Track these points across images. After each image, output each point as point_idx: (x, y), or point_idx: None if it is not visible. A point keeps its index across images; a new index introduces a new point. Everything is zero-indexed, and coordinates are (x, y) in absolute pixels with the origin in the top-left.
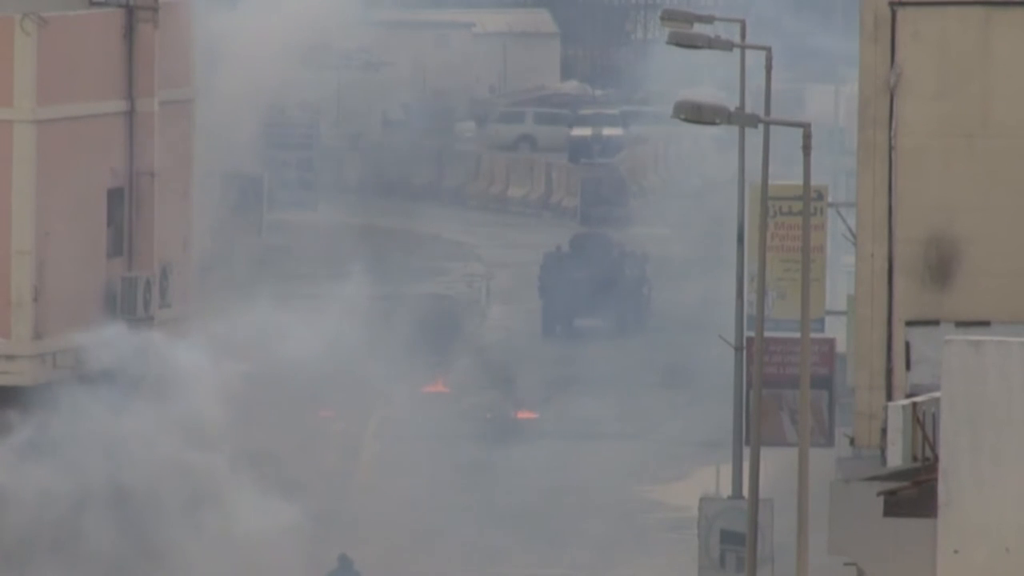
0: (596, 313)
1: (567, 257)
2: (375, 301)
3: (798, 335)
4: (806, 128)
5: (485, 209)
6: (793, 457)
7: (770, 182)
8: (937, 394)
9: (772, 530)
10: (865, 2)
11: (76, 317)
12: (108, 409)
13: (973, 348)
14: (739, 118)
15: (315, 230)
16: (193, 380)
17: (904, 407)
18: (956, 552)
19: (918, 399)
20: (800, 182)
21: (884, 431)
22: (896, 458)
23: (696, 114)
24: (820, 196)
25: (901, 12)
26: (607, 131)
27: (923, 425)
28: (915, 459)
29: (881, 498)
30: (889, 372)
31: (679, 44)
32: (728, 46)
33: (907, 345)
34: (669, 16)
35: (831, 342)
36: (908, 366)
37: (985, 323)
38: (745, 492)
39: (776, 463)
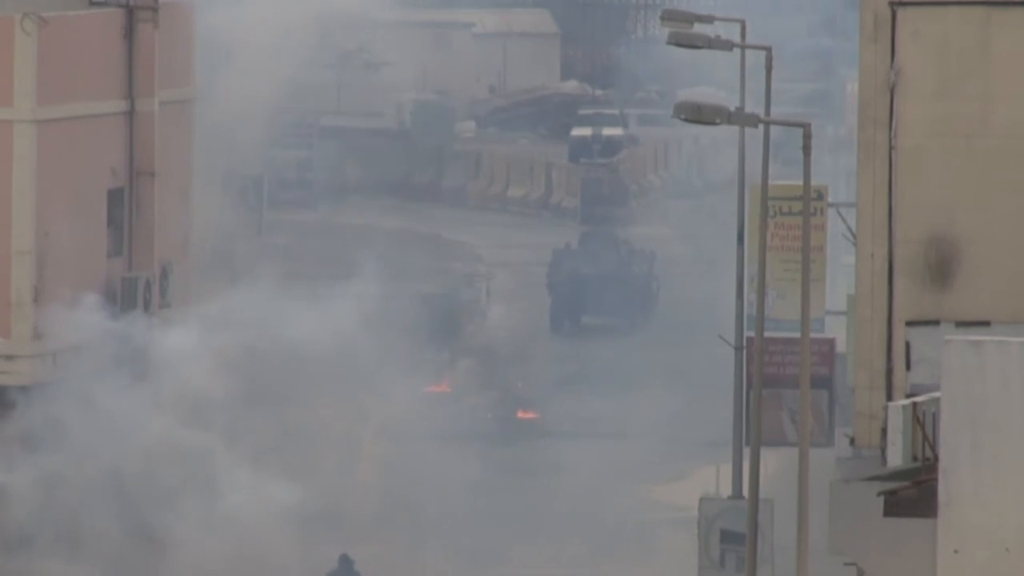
0: (604, 310)
1: (576, 254)
2: (375, 301)
3: (798, 335)
4: (806, 128)
5: (485, 209)
6: (793, 457)
7: (770, 182)
8: (937, 394)
9: (772, 530)
10: (865, 2)
11: (76, 317)
12: (109, 394)
13: (973, 348)
14: (739, 118)
15: (315, 230)
16: (192, 364)
17: (904, 407)
18: (956, 552)
19: (918, 399)
20: (800, 182)
21: (884, 431)
22: (896, 458)
23: (696, 114)
24: (820, 196)
25: (901, 12)
26: (607, 131)
27: (923, 425)
28: (915, 459)
29: (881, 498)
30: (889, 372)
31: (679, 44)
32: (728, 46)
33: (907, 345)
34: (669, 16)
35: (831, 342)
36: (908, 366)
37: (985, 323)
38: (745, 492)
39: (776, 463)
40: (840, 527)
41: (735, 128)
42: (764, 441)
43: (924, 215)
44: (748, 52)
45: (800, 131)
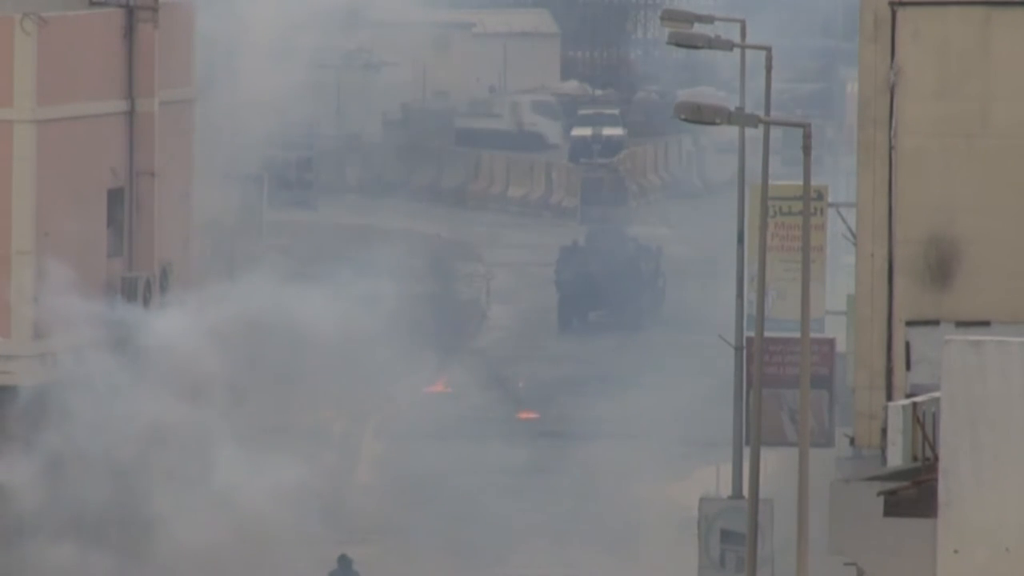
0: (612, 307)
1: (583, 251)
2: (375, 301)
3: (798, 335)
4: (806, 128)
5: (485, 209)
6: (793, 457)
7: (770, 182)
8: (937, 394)
9: (772, 530)
10: (865, 2)
11: (76, 317)
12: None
13: (973, 348)
14: (739, 118)
15: (315, 230)
16: (190, 341)
17: (904, 407)
18: (956, 552)
19: (918, 399)
20: (800, 182)
21: (884, 431)
22: (896, 458)
23: (696, 114)
24: (820, 196)
25: (901, 12)
26: (607, 131)
27: (923, 425)
28: (915, 459)
29: (881, 498)
30: (889, 372)
31: (679, 44)
32: (728, 46)
33: (907, 345)
34: (669, 16)
35: (831, 342)
36: (908, 366)
37: (985, 323)
38: (745, 492)
39: (776, 463)
40: (840, 527)
41: (735, 128)
42: (764, 441)
43: (924, 215)
44: (748, 52)
45: (800, 131)
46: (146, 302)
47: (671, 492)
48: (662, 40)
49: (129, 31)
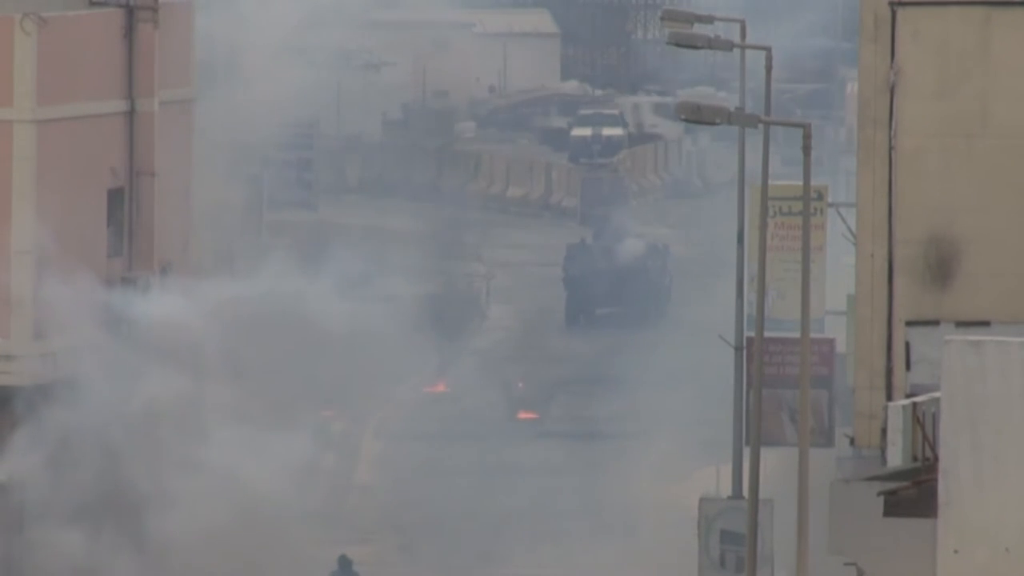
0: (619, 303)
1: (591, 249)
2: (375, 301)
3: (798, 335)
4: (806, 128)
5: (485, 209)
6: (793, 457)
7: (770, 182)
8: (937, 394)
9: (772, 530)
10: (865, 2)
11: (76, 317)
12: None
13: (973, 348)
14: (739, 118)
15: (315, 230)
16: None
17: (904, 407)
18: (956, 552)
19: (918, 399)
20: (800, 182)
21: (884, 431)
22: (896, 458)
23: (696, 114)
24: (820, 196)
25: (901, 12)
26: (607, 131)
27: (923, 425)
28: (915, 459)
29: (881, 498)
30: (889, 372)
31: (679, 44)
32: (728, 46)
33: (907, 345)
34: (669, 16)
35: (831, 342)
36: (908, 366)
37: (985, 323)
38: (745, 492)
39: (776, 463)
40: (840, 527)
41: (735, 128)
42: (764, 441)
43: (924, 215)
44: (748, 52)
45: (800, 131)
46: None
47: (671, 492)
48: (662, 40)
49: (129, 31)
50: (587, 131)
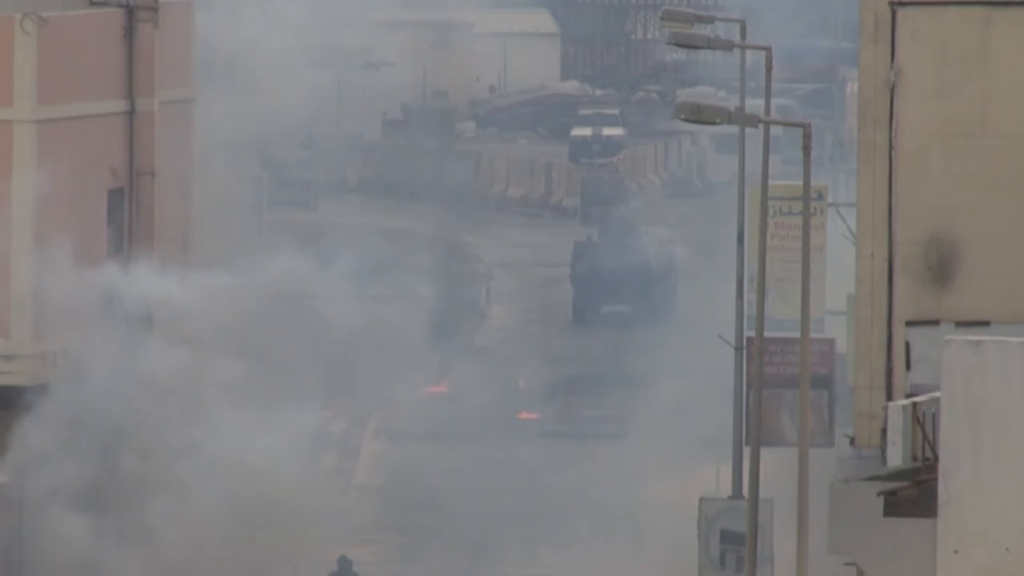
0: (626, 301)
1: (598, 246)
2: (375, 302)
3: (798, 335)
4: (806, 128)
5: (485, 209)
6: (793, 457)
7: (770, 182)
8: (937, 394)
9: (772, 530)
10: (865, 2)
11: (76, 317)
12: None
13: (973, 348)
14: (739, 118)
15: (315, 230)
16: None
17: (904, 407)
18: (956, 552)
19: (918, 399)
20: (800, 182)
21: (884, 431)
22: (896, 458)
23: (696, 114)
24: (820, 196)
25: (901, 12)
26: (607, 131)
27: (923, 425)
28: (915, 459)
29: (881, 498)
30: (889, 372)
31: (679, 44)
32: (728, 46)
33: (907, 345)
34: (669, 16)
35: (831, 342)
36: (908, 366)
37: (985, 323)
38: (745, 492)
39: (776, 463)
40: (840, 527)
41: (735, 128)
42: (764, 441)
43: (924, 215)
44: (748, 52)
45: (800, 131)
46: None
47: (671, 492)
48: (662, 40)
49: (129, 31)
50: (587, 131)
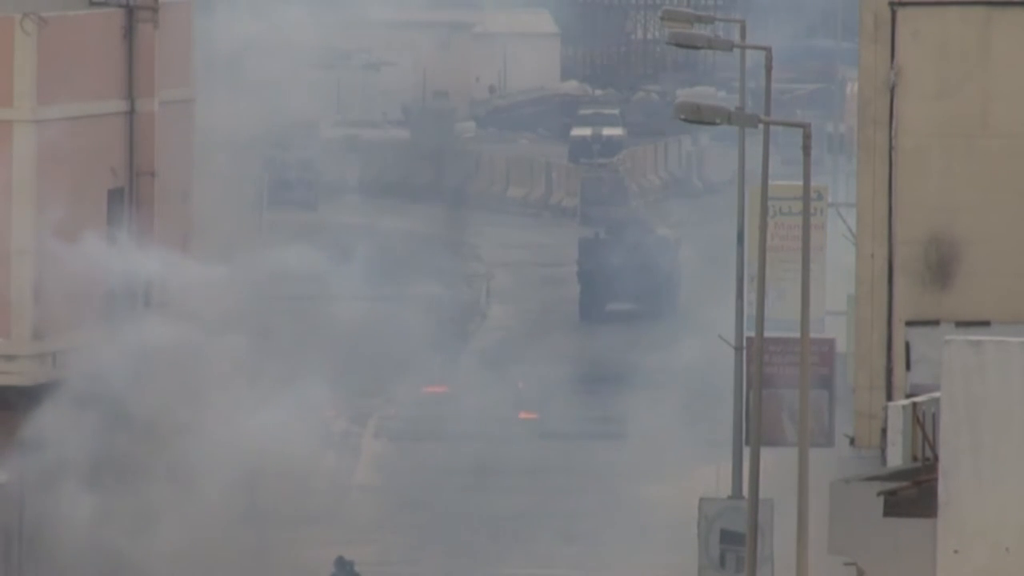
0: (631, 299)
1: (604, 243)
2: (375, 301)
3: (798, 335)
4: (806, 128)
5: (485, 209)
6: (793, 457)
7: (770, 182)
8: (937, 394)
9: (772, 530)
10: (865, 2)
11: (76, 317)
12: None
13: (973, 348)
14: (739, 118)
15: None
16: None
17: (904, 407)
18: (956, 552)
19: (918, 399)
20: (800, 182)
21: (884, 431)
22: (896, 458)
23: (696, 114)
24: (820, 196)
25: (901, 12)
26: (607, 131)
27: (923, 425)
28: (915, 459)
29: (881, 498)
30: (889, 372)
31: (679, 44)
32: (728, 46)
33: (907, 345)
34: (669, 16)
35: (831, 342)
36: (908, 366)
37: (985, 323)
38: (745, 492)
39: (776, 463)
40: (840, 527)
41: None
42: (764, 441)
43: (924, 215)
44: (748, 52)
45: (800, 131)
46: (146, 302)
47: (671, 492)
48: (662, 40)
49: (129, 31)
50: (587, 131)
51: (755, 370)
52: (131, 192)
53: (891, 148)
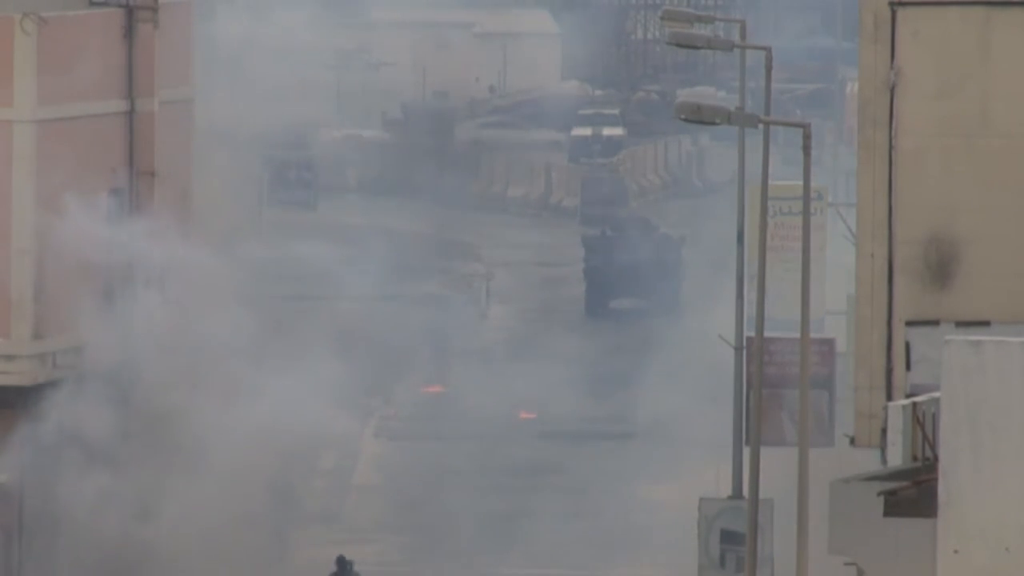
0: (637, 295)
1: (610, 241)
2: (375, 301)
3: (798, 335)
4: (806, 128)
5: (485, 209)
6: (793, 457)
7: (770, 182)
8: (937, 394)
9: (772, 530)
10: (865, 2)
11: (76, 317)
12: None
13: (973, 348)
14: (739, 118)
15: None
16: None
17: (904, 407)
18: (956, 552)
19: (918, 399)
20: (800, 182)
21: (884, 431)
22: (896, 458)
23: (696, 114)
24: (820, 196)
25: (901, 12)
26: (607, 131)
27: (923, 425)
28: (915, 459)
29: (881, 498)
30: (889, 372)
31: (679, 44)
32: (728, 46)
33: (907, 345)
34: (669, 16)
35: (831, 342)
36: (908, 366)
37: (985, 323)
38: (745, 492)
39: (776, 463)
40: (840, 527)
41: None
42: (764, 441)
43: (924, 215)
44: (748, 52)
45: (800, 131)
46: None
47: (671, 492)
48: (662, 40)
49: (129, 31)
50: (587, 131)
51: (755, 370)
52: (131, 192)
53: (891, 148)
